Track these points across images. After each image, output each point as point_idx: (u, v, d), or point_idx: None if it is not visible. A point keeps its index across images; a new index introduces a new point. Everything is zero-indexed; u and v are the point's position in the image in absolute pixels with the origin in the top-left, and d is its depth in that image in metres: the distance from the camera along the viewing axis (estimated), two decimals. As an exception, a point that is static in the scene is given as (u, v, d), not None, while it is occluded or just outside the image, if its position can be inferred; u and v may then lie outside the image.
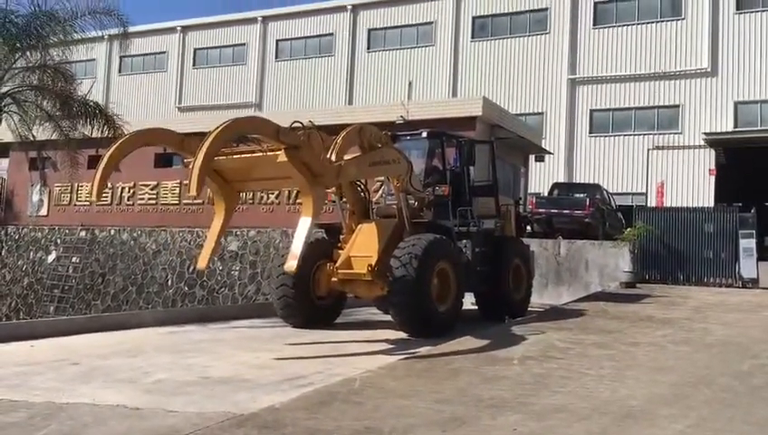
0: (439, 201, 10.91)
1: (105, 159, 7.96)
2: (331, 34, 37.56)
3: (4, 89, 18.55)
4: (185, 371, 6.83)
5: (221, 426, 4.68)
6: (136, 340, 8.91)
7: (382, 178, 12.05)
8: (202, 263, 8.54)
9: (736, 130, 28.04)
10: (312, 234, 8.54)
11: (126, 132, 19.49)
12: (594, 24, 31.64)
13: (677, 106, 29.64)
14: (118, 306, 22.53)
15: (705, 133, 27.25)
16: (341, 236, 10.44)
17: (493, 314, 11.33)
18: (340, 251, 10.15)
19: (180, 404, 5.36)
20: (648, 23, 30.63)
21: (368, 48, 36.68)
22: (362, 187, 10.66)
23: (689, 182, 28.40)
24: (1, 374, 6.49)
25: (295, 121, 8.22)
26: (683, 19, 30.00)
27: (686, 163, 28.76)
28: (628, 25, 31.02)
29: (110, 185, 24.64)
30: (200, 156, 7.29)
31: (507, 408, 5.25)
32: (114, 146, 8.27)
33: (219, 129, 7.53)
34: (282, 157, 7.79)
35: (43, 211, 26.69)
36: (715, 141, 26.82)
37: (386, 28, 36.35)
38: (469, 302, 11.07)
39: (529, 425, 4.80)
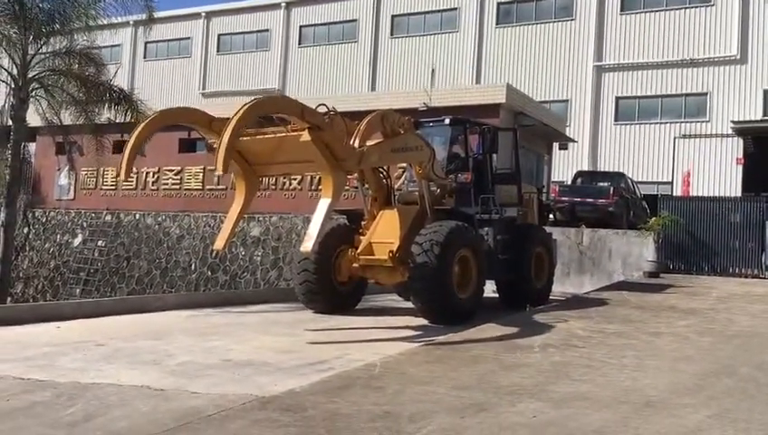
0: (461, 188, 10.89)
1: (133, 138, 8.05)
2: (355, 20, 37.44)
3: (32, 74, 18.78)
4: (207, 353, 6.92)
5: (243, 408, 4.74)
6: (160, 323, 9.04)
7: (404, 164, 12.06)
8: (219, 243, 8.61)
9: (765, 118, 27.54)
10: (330, 217, 8.57)
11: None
12: (621, 10, 31.19)
13: (705, 94, 29.18)
14: (142, 290, 22.83)
15: (733, 122, 26.82)
16: (363, 223, 10.47)
17: (514, 302, 11.30)
18: (362, 237, 10.19)
19: (203, 386, 5.43)
20: (676, 9, 30.12)
21: (391, 34, 36.52)
22: (384, 173, 10.67)
23: (716, 171, 28.00)
24: (28, 355, 6.62)
25: (321, 105, 8.25)
26: (712, 5, 29.47)
27: (714, 152, 28.34)
28: (656, 11, 30.53)
29: (135, 170, 24.84)
30: (227, 133, 7.35)
31: (527, 395, 5.25)
32: (142, 125, 8.37)
33: (246, 107, 7.58)
34: (305, 136, 7.83)
35: (70, 195, 27.06)
36: (743, 130, 26.38)
37: (409, 14, 36.14)
38: (490, 290, 11.06)
39: (548, 412, 4.80)
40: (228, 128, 7.37)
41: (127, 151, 7.98)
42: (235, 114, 7.50)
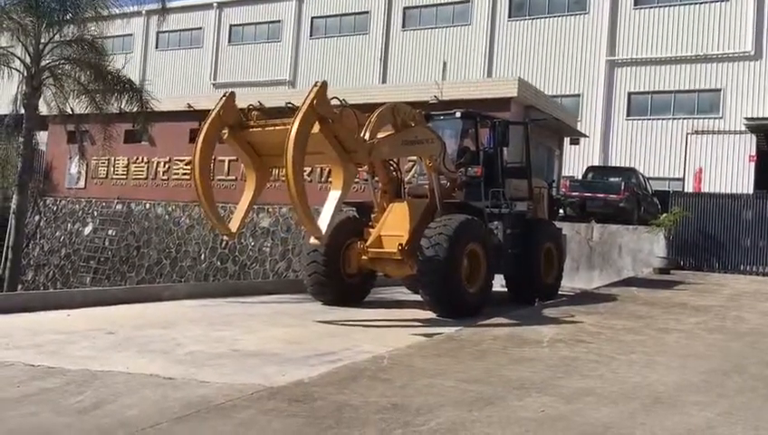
0: (471, 182, 10.86)
1: (199, 187, 8.23)
2: (367, 12, 37.31)
3: (44, 62, 18.85)
4: (216, 343, 6.95)
5: (251, 398, 4.76)
6: (169, 312, 9.08)
7: (415, 157, 12.03)
8: (233, 225, 8.66)
9: (779, 115, 27.30)
10: (340, 209, 8.57)
11: (155, 108, 19.84)
12: (635, 5, 30.92)
13: (719, 90, 28.93)
14: (152, 279, 22.93)
15: (746, 118, 26.57)
16: (373, 215, 10.46)
17: (523, 296, 11.28)
18: (371, 230, 10.19)
19: (212, 375, 5.45)
20: (690, 3, 29.84)
21: (403, 27, 36.37)
22: (394, 166, 10.65)
23: (728, 168, 27.76)
24: (38, 341, 6.66)
25: (333, 97, 8.23)
26: (727, 0, 29.18)
27: (726, 149, 28.08)
28: (670, 6, 30.25)
29: (145, 159, 25.09)
30: (297, 203, 7.31)
31: (535, 390, 5.25)
32: (203, 132, 8.39)
33: (290, 157, 7.38)
34: (316, 128, 7.82)
35: (81, 184, 27.18)
36: (756, 127, 26.13)
37: (421, 6, 35.96)
38: (499, 284, 11.04)
39: (557, 407, 4.79)
40: (291, 187, 7.31)
41: (204, 204, 8.13)
42: (287, 168, 7.38)
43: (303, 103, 7.68)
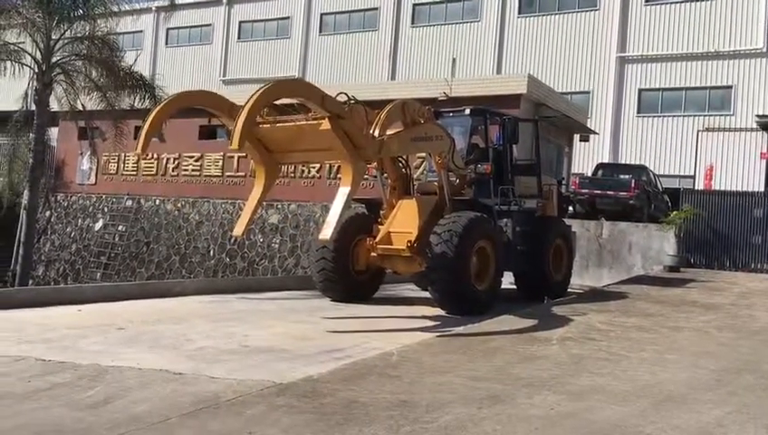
0: (481, 179, 10.84)
1: (151, 116, 8.12)
2: (376, 9, 37.26)
3: (54, 59, 18.93)
4: (226, 339, 6.97)
5: (261, 394, 4.77)
6: (179, 308, 9.10)
7: (424, 154, 12.01)
8: (238, 230, 8.67)
9: (791, 113, 27.09)
10: (349, 206, 8.58)
11: None
12: (646, 1, 30.75)
13: (730, 87, 28.73)
14: (161, 275, 23.02)
15: (757, 115, 26.41)
16: (382, 212, 10.45)
17: (532, 293, 11.26)
18: (380, 226, 10.18)
19: (221, 371, 5.47)
20: (701, 0, 29.66)
21: (412, 23, 36.31)
22: (404, 163, 10.64)
23: (739, 166, 27.61)
24: (50, 336, 6.70)
25: (341, 93, 8.24)
26: (739, -4, 28.96)
27: (737, 146, 27.93)
28: (681, 2, 30.06)
29: (155, 156, 25.15)
30: (245, 110, 7.40)
31: (544, 387, 5.23)
32: (161, 104, 8.49)
33: (267, 87, 7.61)
34: (325, 125, 7.83)
35: (92, 180, 27.30)
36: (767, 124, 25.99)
37: (431, 3, 35.89)
38: (508, 281, 11.02)
39: (566, 405, 4.77)
40: (248, 103, 7.40)
41: (145, 128, 8.06)
42: (257, 91, 7.53)
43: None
